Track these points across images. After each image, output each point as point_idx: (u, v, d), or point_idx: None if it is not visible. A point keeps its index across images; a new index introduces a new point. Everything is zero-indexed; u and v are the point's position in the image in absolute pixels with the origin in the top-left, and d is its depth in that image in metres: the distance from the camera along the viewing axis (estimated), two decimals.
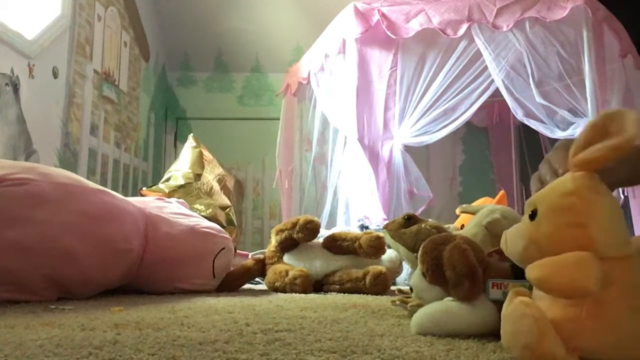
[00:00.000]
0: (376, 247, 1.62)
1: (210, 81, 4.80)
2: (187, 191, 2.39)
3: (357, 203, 2.87)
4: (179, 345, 0.65)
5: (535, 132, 3.19)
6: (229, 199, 2.65)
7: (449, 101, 2.98)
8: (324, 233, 1.88)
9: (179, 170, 2.52)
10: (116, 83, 3.58)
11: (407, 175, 2.97)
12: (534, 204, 0.60)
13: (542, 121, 2.89)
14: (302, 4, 4.28)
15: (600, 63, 2.83)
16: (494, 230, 0.87)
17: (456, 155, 4.69)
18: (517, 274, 0.76)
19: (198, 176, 2.50)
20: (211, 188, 2.51)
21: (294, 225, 1.69)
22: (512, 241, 0.62)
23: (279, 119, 3.90)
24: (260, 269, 1.76)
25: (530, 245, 0.59)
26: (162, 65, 4.63)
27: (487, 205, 1.05)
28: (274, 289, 1.63)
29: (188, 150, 2.65)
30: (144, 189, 2.42)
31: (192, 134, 2.79)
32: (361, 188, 2.88)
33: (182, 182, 2.43)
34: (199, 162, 2.59)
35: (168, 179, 2.47)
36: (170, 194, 2.28)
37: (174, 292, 1.46)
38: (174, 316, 0.93)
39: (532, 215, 0.60)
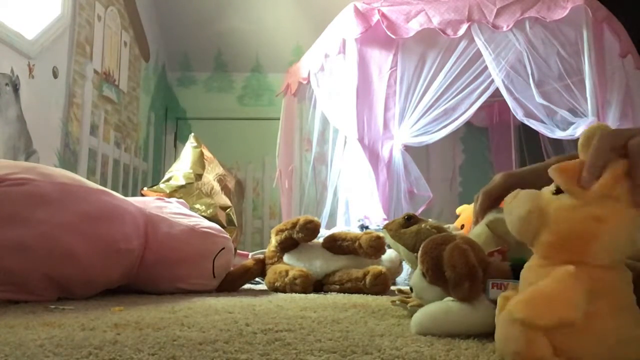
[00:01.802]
0: (376, 247, 1.62)
1: (210, 81, 4.80)
2: (188, 191, 2.39)
3: (357, 203, 2.87)
4: (179, 345, 0.65)
5: (535, 132, 3.19)
6: (229, 199, 2.65)
7: (449, 101, 2.98)
8: (324, 233, 1.88)
9: (180, 170, 2.52)
10: (116, 83, 3.58)
11: (407, 175, 2.97)
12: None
13: (542, 121, 2.89)
14: (302, 4, 4.29)
15: (600, 63, 2.83)
16: (495, 229, 0.87)
17: (456, 155, 4.70)
18: (517, 274, 0.76)
19: (199, 176, 2.50)
20: (212, 188, 2.51)
21: (294, 225, 1.69)
22: (518, 201, 0.60)
23: (279, 119, 3.90)
24: (260, 269, 1.76)
25: (535, 212, 0.57)
26: (162, 65, 4.63)
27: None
28: (274, 289, 1.63)
29: (189, 150, 2.65)
30: (145, 188, 2.42)
31: (193, 134, 2.79)
32: (361, 188, 2.89)
33: (183, 182, 2.43)
34: (200, 162, 2.59)
35: (169, 179, 2.47)
36: (171, 194, 2.28)
37: (174, 292, 1.46)
38: (174, 316, 0.93)
39: (557, 192, 0.57)
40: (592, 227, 0.54)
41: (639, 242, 0.56)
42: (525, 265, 0.63)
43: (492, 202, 0.92)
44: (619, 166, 0.54)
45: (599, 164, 0.55)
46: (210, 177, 2.58)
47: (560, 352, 0.53)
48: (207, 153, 2.70)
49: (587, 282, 0.53)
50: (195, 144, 2.69)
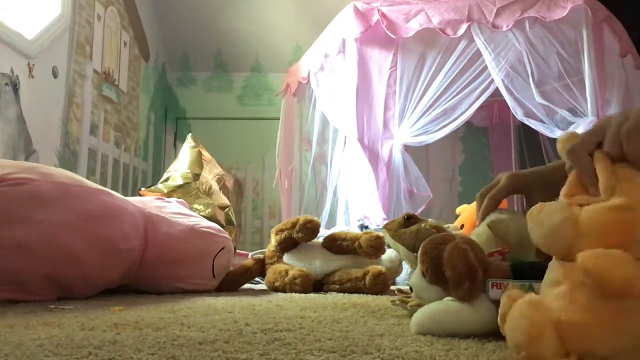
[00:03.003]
0: (376, 247, 1.62)
1: (210, 81, 4.80)
2: (186, 191, 2.39)
3: (357, 203, 2.87)
4: (179, 345, 0.65)
5: (535, 132, 3.20)
6: (228, 198, 2.65)
7: (449, 101, 2.98)
8: (324, 233, 1.88)
9: (178, 170, 2.52)
10: (116, 83, 3.59)
11: (407, 175, 2.97)
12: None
13: (542, 121, 2.89)
14: (302, 4, 4.29)
15: (600, 63, 2.83)
16: (496, 229, 0.87)
17: (456, 155, 4.69)
18: (517, 274, 0.76)
19: (197, 176, 2.50)
20: (210, 188, 2.51)
21: (294, 225, 1.69)
22: (549, 212, 0.57)
23: (279, 119, 3.90)
24: (260, 269, 1.76)
25: (570, 221, 0.55)
26: (162, 65, 4.63)
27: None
28: (274, 289, 1.63)
29: (187, 150, 2.65)
30: (143, 189, 2.42)
31: (190, 134, 2.79)
32: (361, 188, 2.89)
33: (181, 182, 2.43)
34: (198, 162, 2.59)
35: (167, 180, 2.48)
36: (169, 195, 2.28)
37: (174, 292, 1.46)
38: (174, 316, 0.93)
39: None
40: (624, 216, 0.53)
41: None
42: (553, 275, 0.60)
43: (496, 204, 0.92)
44: (601, 158, 0.56)
45: (590, 169, 0.57)
46: (209, 177, 2.58)
47: (577, 347, 0.51)
48: (205, 153, 2.70)
49: None
50: (194, 144, 2.69)
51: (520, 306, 0.55)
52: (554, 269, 0.59)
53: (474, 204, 1.09)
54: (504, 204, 1.01)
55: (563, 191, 0.61)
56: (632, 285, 0.49)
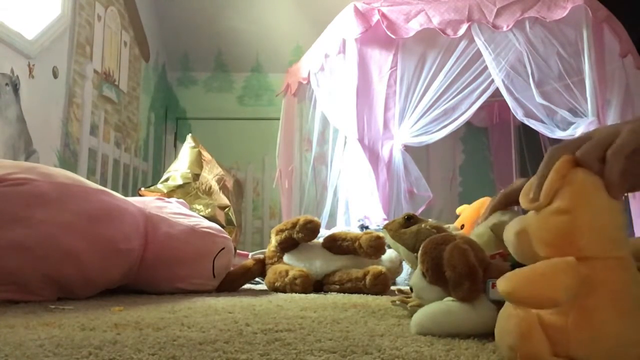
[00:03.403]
0: (376, 247, 1.62)
1: (210, 81, 4.80)
2: (185, 191, 2.40)
3: (357, 203, 2.87)
4: (179, 345, 0.65)
5: (535, 132, 3.20)
6: (228, 198, 2.66)
7: (449, 101, 2.98)
8: (324, 233, 1.88)
9: (178, 170, 2.52)
10: (116, 83, 3.58)
11: (407, 175, 2.97)
12: None
13: (542, 121, 2.89)
14: (302, 4, 4.29)
15: (600, 63, 2.83)
16: (498, 232, 0.87)
17: (456, 155, 4.70)
18: None
19: (197, 176, 2.50)
20: (210, 188, 2.51)
21: (294, 225, 1.69)
22: (508, 228, 0.61)
23: (279, 119, 3.90)
24: (260, 269, 1.76)
25: (522, 232, 0.58)
26: (162, 65, 4.63)
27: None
28: (274, 289, 1.63)
29: (187, 150, 2.66)
30: (143, 189, 2.42)
31: (190, 134, 2.79)
32: (361, 188, 2.89)
33: (180, 182, 2.43)
34: (198, 162, 2.59)
35: (167, 179, 2.48)
36: (168, 194, 2.28)
37: (174, 292, 1.46)
38: (174, 316, 0.93)
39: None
40: (559, 219, 0.54)
41: (623, 227, 0.55)
42: None
43: (507, 204, 0.90)
44: (558, 161, 0.56)
45: (541, 175, 0.57)
46: (209, 177, 2.58)
47: (559, 350, 0.52)
48: (205, 153, 2.70)
49: (585, 270, 0.52)
50: (193, 144, 2.69)
51: (506, 308, 0.56)
52: None
53: (474, 204, 1.09)
54: None
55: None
56: (543, 301, 0.51)
